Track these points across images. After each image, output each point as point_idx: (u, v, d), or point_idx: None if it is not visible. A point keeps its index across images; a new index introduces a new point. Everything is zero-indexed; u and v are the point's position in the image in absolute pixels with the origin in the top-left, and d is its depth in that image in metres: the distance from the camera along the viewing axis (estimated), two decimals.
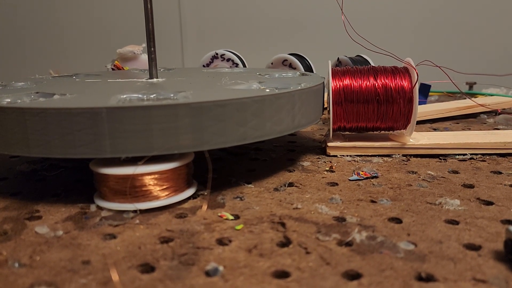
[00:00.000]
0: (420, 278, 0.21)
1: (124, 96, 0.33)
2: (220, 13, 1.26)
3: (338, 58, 0.58)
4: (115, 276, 0.20)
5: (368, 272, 0.21)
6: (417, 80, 0.39)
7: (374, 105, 0.41)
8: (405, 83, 0.41)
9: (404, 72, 0.41)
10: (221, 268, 0.22)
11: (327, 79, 0.42)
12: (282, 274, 0.21)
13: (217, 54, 0.68)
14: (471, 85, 0.81)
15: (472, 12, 1.16)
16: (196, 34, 1.29)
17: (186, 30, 1.27)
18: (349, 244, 0.24)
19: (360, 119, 0.42)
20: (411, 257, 0.23)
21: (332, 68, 0.42)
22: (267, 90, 0.34)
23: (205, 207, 0.30)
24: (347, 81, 0.41)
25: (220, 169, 0.38)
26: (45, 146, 0.29)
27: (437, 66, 0.37)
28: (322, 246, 0.24)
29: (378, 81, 0.41)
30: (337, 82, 0.41)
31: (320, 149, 0.45)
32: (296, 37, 1.22)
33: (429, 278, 0.21)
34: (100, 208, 0.30)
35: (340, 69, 0.42)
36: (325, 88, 0.43)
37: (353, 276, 0.21)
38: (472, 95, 0.73)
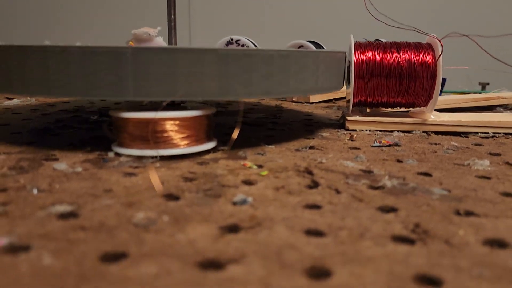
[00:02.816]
0: (459, 214, 0.20)
1: None
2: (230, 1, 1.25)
3: (356, 41, 0.58)
4: (153, 175, 0.20)
5: (404, 207, 0.21)
6: (441, 53, 0.38)
7: (396, 79, 0.40)
8: (429, 58, 0.40)
9: (428, 47, 0.41)
10: (250, 199, 0.21)
11: (349, 53, 0.41)
12: (314, 207, 0.20)
13: (232, 39, 0.67)
14: (483, 86, 0.80)
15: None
16: (204, 21, 1.28)
17: (195, 17, 1.27)
18: (380, 187, 0.23)
19: (382, 93, 0.41)
20: (447, 198, 0.22)
21: (354, 42, 0.42)
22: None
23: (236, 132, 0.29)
24: (369, 55, 0.41)
25: (239, 134, 0.37)
26: (66, 87, 0.28)
27: (464, 35, 0.36)
28: (352, 188, 0.23)
29: (401, 55, 0.40)
30: (359, 55, 0.40)
31: (338, 125, 0.44)
32: (311, 24, 1.21)
33: (469, 214, 0.20)
34: (118, 155, 0.29)
35: (362, 43, 0.42)
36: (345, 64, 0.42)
37: (389, 210, 0.20)
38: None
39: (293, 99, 0.64)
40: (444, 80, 0.67)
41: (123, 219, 0.18)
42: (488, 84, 0.81)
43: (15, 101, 0.55)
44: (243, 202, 0.21)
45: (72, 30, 1.30)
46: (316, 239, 0.17)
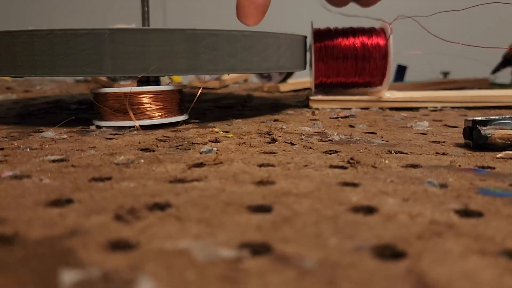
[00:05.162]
0: (390, 153, 0.24)
1: None
2: None
3: (317, 28, 0.62)
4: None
5: (345, 150, 0.24)
6: (390, 34, 0.43)
7: (353, 60, 0.44)
8: (381, 41, 0.44)
9: (380, 31, 0.45)
10: (214, 149, 0.25)
11: (310, 38, 0.45)
12: (270, 153, 0.24)
13: None
14: (445, 74, 0.86)
15: None
16: (178, 15, 1.31)
17: (169, 12, 1.30)
18: (329, 140, 0.27)
19: (340, 74, 0.45)
20: (384, 145, 0.26)
21: (314, 28, 0.46)
22: None
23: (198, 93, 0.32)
24: (328, 39, 0.45)
25: (210, 113, 0.41)
26: (51, 67, 0.31)
27: (409, 17, 0.40)
28: (305, 141, 0.27)
29: (356, 39, 0.44)
30: (319, 40, 0.45)
31: (303, 106, 0.48)
32: (279, 16, 1.24)
33: (398, 153, 0.24)
34: (99, 127, 0.32)
35: (322, 29, 0.46)
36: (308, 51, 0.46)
37: (332, 152, 0.24)
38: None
39: (264, 90, 0.67)
40: (404, 68, 0.71)
41: (106, 161, 0.21)
42: (448, 73, 0.86)
43: None
44: (209, 151, 0.24)
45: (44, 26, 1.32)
46: (267, 168, 0.20)
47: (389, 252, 0.11)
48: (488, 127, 0.24)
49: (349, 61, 0.44)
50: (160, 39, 0.31)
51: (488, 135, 0.23)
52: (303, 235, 0.12)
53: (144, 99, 0.32)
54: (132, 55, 0.31)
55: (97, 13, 1.30)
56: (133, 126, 0.31)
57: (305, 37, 0.44)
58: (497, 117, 0.24)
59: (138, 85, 0.34)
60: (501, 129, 0.24)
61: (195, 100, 0.31)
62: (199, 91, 0.32)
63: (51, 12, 1.33)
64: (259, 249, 0.11)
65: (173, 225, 0.13)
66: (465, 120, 0.25)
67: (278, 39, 0.37)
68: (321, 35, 0.45)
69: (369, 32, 0.45)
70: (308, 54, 0.46)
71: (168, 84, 0.36)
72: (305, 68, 0.44)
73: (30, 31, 0.31)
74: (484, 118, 0.24)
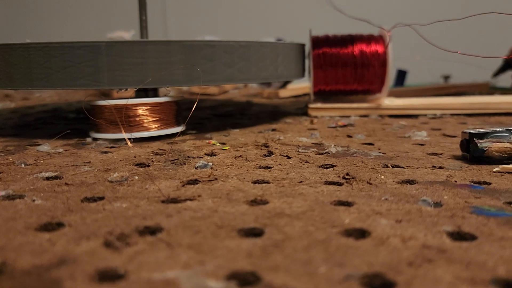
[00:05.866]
0: (386, 167, 0.24)
1: None
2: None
3: (315, 35, 0.61)
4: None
5: (341, 164, 0.24)
6: (389, 41, 0.42)
7: (351, 68, 0.44)
8: (379, 48, 0.44)
9: (378, 38, 0.45)
10: (210, 164, 0.24)
11: (308, 47, 0.45)
12: (265, 167, 0.24)
13: None
14: (446, 78, 0.85)
15: None
16: (178, 23, 1.31)
17: (170, 20, 1.30)
18: (326, 153, 0.27)
19: (339, 81, 0.45)
20: (380, 158, 0.26)
21: (312, 36, 0.45)
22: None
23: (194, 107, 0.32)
24: (326, 47, 0.45)
25: (207, 123, 0.41)
26: (47, 79, 0.31)
27: (407, 25, 0.40)
28: (302, 154, 0.27)
29: (355, 46, 0.44)
30: (317, 47, 0.44)
31: (302, 113, 0.48)
32: (279, 23, 1.24)
33: (394, 167, 0.24)
34: (95, 140, 0.32)
35: (320, 36, 0.46)
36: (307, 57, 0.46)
37: (328, 167, 0.24)
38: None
39: (264, 96, 0.67)
40: (404, 72, 0.71)
41: (100, 178, 0.21)
42: (449, 76, 0.86)
43: None
44: (204, 166, 0.24)
45: (43, 36, 1.32)
46: (261, 185, 0.20)
47: (378, 281, 0.11)
48: (485, 140, 0.24)
49: (348, 69, 0.44)
50: (157, 51, 0.31)
51: (485, 148, 0.23)
52: (293, 262, 0.12)
53: (141, 111, 0.32)
54: (129, 67, 0.30)
55: (95, 20, 1.30)
56: (130, 138, 0.31)
57: (304, 45, 0.44)
58: (494, 129, 0.24)
59: (136, 96, 0.34)
60: (497, 142, 0.23)
61: (191, 112, 0.31)
62: (195, 104, 0.32)
63: (48, 20, 1.33)
64: (247, 279, 0.11)
65: (163, 252, 0.13)
66: (462, 132, 0.25)
67: (276, 48, 0.37)
68: (319, 42, 0.45)
69: (368, 39, 0.45)
70: (307, 61, 0.46)
71: (167, 93, 0.36)
72: (304, 76, 0.44)
73: (27, 44, 0.31)
74: (481, 130, 0.24)
